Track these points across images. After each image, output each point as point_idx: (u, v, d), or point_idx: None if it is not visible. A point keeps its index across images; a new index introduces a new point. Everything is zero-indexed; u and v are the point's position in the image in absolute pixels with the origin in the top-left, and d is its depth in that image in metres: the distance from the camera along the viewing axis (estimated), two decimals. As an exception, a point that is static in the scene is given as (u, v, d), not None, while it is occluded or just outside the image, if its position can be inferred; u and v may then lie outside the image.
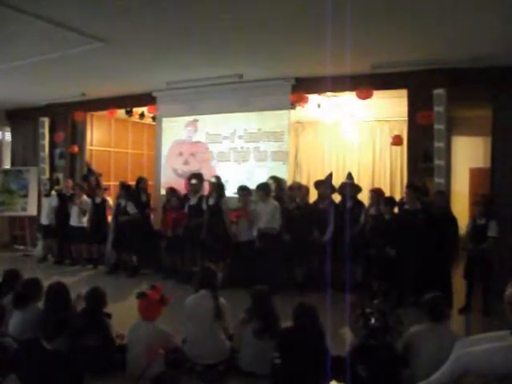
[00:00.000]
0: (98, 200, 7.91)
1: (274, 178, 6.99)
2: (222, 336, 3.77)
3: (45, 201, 8.49)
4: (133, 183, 8.07)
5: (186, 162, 8.18)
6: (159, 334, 3.52)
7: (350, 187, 6.32)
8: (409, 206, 5.76)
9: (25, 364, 2.79)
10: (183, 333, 3.85)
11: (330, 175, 6.71)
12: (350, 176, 6.65)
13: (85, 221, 7.90)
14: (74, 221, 7.97)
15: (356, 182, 6.96)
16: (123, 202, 7.40)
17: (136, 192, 7.67)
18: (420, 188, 5.95)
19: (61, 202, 8.21)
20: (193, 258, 6.87)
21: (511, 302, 2.80)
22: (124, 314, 4.25)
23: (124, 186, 7.57)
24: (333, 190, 6.53)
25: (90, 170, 9.07)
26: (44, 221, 8.37)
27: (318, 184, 6.63)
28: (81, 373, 3.13)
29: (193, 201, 6.93)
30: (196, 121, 8.19)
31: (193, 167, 8.01)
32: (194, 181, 6.98)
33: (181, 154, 8.31)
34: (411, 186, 5.87)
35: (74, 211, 7.97)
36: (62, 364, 2.96)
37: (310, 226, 6.26)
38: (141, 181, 7.87)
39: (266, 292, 3.79)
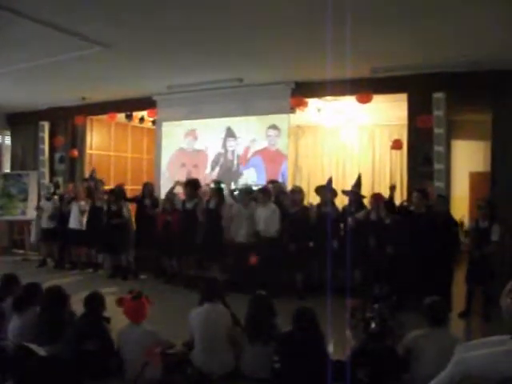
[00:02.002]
0: (98, 204, 7.87)
1: (274, 182, 6.99)
2: (231, 351, 3.70)
3: (45, 204, 8.47)
4: (132, 187, 8.03)
5: (189, 174, 8.10)
6: (148, 335, 3.54)
7: (353, 195, 6.33)
8: (415, 209, 5.74)
9: (18, 371, 2.77)
10: (184, 336, 3.84)
11: (330, 181, 6.69)
12: (357, 181, 6.65)
13: (83, 222, 7.87)
14: (72, 223, 7.92)
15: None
16: (114, 206, 7.43)
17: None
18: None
19: (60, 206, 8.19)
20: (190, 262, 6.89)
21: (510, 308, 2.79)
22: (123, 318, 4.23)
23: (115, 191, 7.61)
24: (334, 194, 6.52)
25: (91, 176, 9.06)
26: (44, 224, 8.35)
27: (318, 189, 6.62)
28: (80, 378, 3.10)
29: (189, 205, 6.92)
30: (194, 130, 8.21)
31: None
32: (186, 188, 7.04)
33: (183, 165, 8.31)
34: (420, 191, 5.80)
35: (74, 213, 7.93)
36: (59, 369, 2.93)
37: (309, 231, 6.23)
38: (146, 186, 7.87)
39: (261, 297, 3.76)
